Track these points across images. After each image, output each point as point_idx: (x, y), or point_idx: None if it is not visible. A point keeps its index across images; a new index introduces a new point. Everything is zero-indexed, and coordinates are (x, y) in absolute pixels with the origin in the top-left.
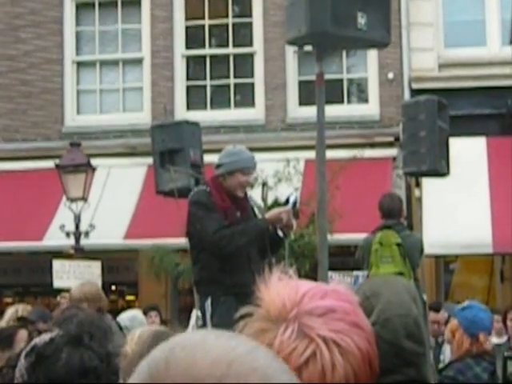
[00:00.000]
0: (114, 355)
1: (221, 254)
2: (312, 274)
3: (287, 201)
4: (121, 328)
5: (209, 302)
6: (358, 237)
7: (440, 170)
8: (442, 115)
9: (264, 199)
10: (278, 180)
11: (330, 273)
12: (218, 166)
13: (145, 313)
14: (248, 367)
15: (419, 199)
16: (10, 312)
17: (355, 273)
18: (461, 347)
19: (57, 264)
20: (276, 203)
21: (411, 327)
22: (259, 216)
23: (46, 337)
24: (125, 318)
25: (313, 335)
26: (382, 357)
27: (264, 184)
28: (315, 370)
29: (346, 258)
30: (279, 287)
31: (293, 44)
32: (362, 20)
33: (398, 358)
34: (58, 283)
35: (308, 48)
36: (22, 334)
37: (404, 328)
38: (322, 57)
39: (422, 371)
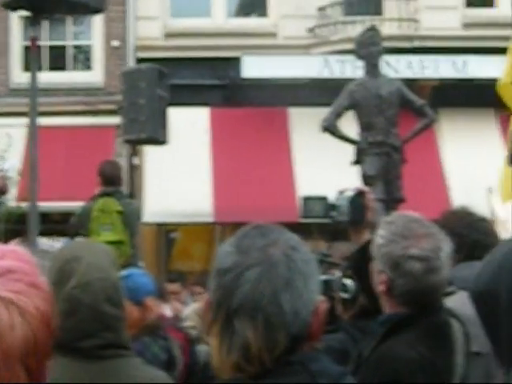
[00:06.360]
0: None
1: None
2: None
3: None
4: None
5: None
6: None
7: (159, 137)
8: (162, 84)
9: None
10: None
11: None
12: None
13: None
14: None
15: (138, 167)
16: None
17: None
18: (133, 319)
19: None
20: None
21: (111, 291)
22: None
23: None
24: None
25: None
26: (81, 320)
27: None
28: None
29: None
30: None
31: (7, 7)
32: None
33: (98, 321)
34: None
35: (25, 13)
36: None
37: (104, 292)
38: (38, 21)
39: (121, 335)
